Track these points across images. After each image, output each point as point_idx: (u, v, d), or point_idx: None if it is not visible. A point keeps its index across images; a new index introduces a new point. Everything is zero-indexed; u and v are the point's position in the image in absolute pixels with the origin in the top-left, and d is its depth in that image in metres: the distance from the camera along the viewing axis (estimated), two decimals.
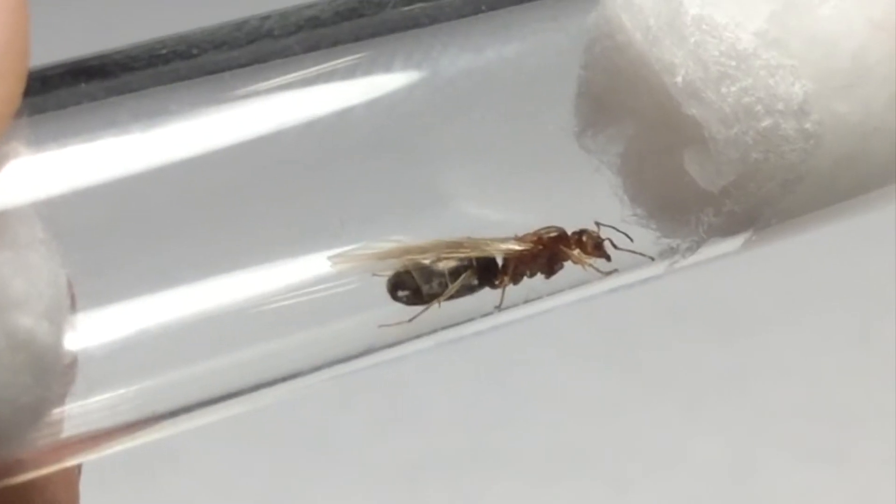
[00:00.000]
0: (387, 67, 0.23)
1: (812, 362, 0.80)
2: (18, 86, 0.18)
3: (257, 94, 0.22)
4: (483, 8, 0.23)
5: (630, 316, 0.81)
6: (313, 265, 0.23)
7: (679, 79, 0.22)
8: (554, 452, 0.76)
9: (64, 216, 0.21)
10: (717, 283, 0.82)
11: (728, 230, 0.23)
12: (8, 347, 0.19)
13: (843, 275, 0.85)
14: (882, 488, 0.75)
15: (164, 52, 0.21)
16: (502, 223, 0.24)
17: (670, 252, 0.24)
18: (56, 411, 0.21)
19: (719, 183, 0.22)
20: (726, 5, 0.22)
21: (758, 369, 0.80)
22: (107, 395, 0.21)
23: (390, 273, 0.24)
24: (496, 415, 0.77)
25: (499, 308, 0.24)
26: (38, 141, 0.21)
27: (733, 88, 0.22)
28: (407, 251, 0.24)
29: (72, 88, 0.21)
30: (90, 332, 0.21)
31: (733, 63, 0.22)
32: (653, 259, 0.24)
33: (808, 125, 0.22)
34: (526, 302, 0.24)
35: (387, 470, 0.75)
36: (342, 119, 0.23)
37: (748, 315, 0.82)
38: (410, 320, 0.23)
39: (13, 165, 0.19)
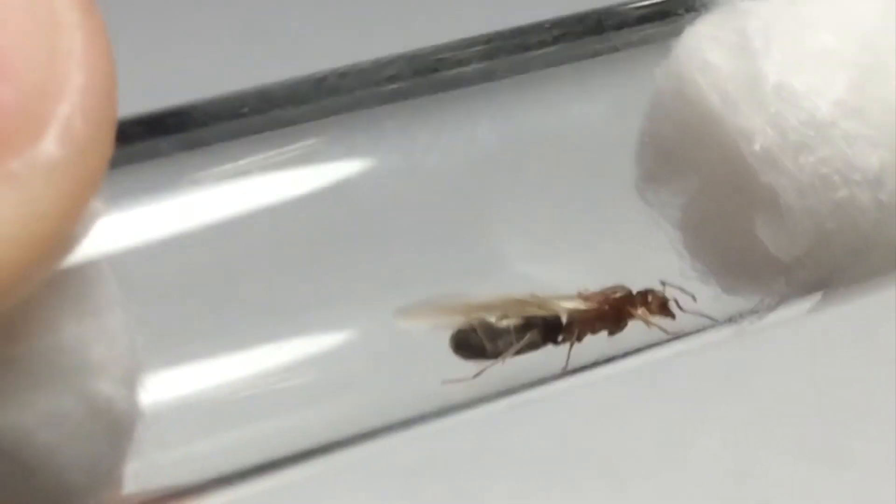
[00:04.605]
0: (453, 122, 0.23)
1: (812, 362, 0.80)
2: (107, 156, 0.18)
3: (331, 148, 0.22)
4: (548, 64, 0.23)
5: None
6: (377, 321, 0.23)
7: (757, 146, 0.22)
8: (554, 452, 0.76)
9: (138, 275, 0.21)
10: None
11: (797, 296, 0.23)
12: (88, 415, 0.19)
13: None
14: (882, 489, 0.75)
15: (245, 110, 0.21)
16: (559, 279, 0.24)
17: (738, 317, 0.24)
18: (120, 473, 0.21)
19: (793, 252, 0.22)
20: (805, 72, 0.22)
21: (758, 370, 0.80)
22: (166, 456, 0.21)
23: (454, 329, 0.24)
24: (496, 415, 0.77)
25: (565, 369, 0.24)
26: (114, 197, 0.20)
27: (811, 158, 0.21)
28: (473, 307, 0.23)
29: (149, 143, 0.21)
30: (159, 392, 0.21)
31: (812, 133, 0.21)
32: (717, 322, 0.24)
33: (882, 196, 0.22)
34: (593, 365, 0.24)
35: (387, 470, 0.75)
36: (405, 173, 0.23)
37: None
38: (475, 376, 0.23)
39: (93, 226, 0.19)
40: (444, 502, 0.75)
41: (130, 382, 0.20)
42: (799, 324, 0.79)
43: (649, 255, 0.24)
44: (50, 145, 0.17)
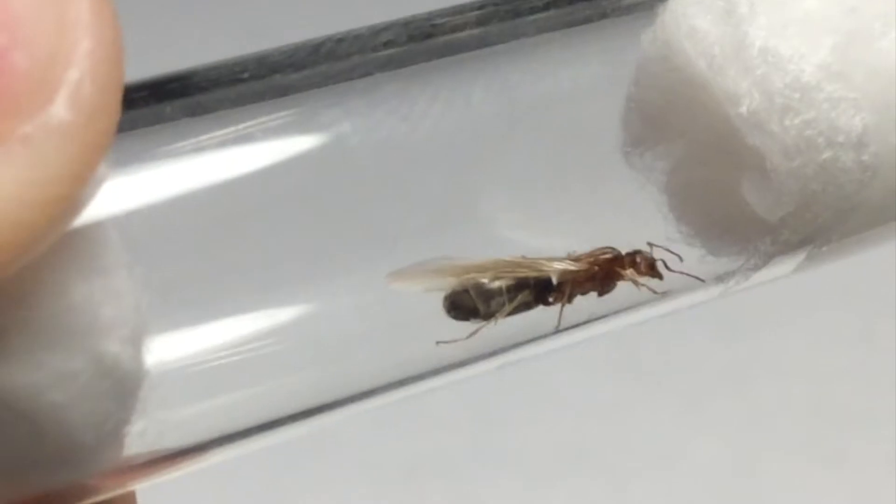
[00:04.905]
0: (447, 88, 0.23)
1: (812, 362, 0.80)
2: (115, 120, 0.18)
3: (329, 113, 0.23)
4: (538, 30, 0.24)
5: None
6: (372, 283, 0.23)
7: (743, 109, 0.22)
8: (554, 452, 0.76)
9: (143, 238, 0.21)
10: None
11: (781, 256, 0.24)
12: (95, 374, 0.19)
13: (844, 275, 0.85)
14: (882, 488, 0.75)
15: (245, 75, 0.22)
16: (549, 241, 0.25)
17: (724, 276, 0.24)
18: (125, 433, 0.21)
19: (778, 213, 0.22)
20: (790, 37, 0.22)
21: (758, 369, 0.80)
22: (171, 418, 0.22)
23: (447, 291, 0.24)
24: (496, 415, 0.78)
25: (557, 328, 0.24)
26: (119, 162, 0.21)
27: (796, 121, 0.22)
28: (465, 269, 0.24)
29: (153, 109, 0.21)
30: (163, 353, 0.21)
31: (797, 95, 0.22)
32: (704, 281, 0.24)
33: (865, 157, 0.22)
34: (584, 323, 0.24)
35: (387, 470, 0.75)
36: (400, 137, 0.23)
37: (748, 315, 0.82)
38: (468, 337, 0.24)
39: (99, 189, 0.20)
40: (444, 502, 0.75)
41: (136, 342, 0.20)
42: (799, 323, 0.79)
43: (635, 219, 0.24)
44: (60, 109, 0.18)
